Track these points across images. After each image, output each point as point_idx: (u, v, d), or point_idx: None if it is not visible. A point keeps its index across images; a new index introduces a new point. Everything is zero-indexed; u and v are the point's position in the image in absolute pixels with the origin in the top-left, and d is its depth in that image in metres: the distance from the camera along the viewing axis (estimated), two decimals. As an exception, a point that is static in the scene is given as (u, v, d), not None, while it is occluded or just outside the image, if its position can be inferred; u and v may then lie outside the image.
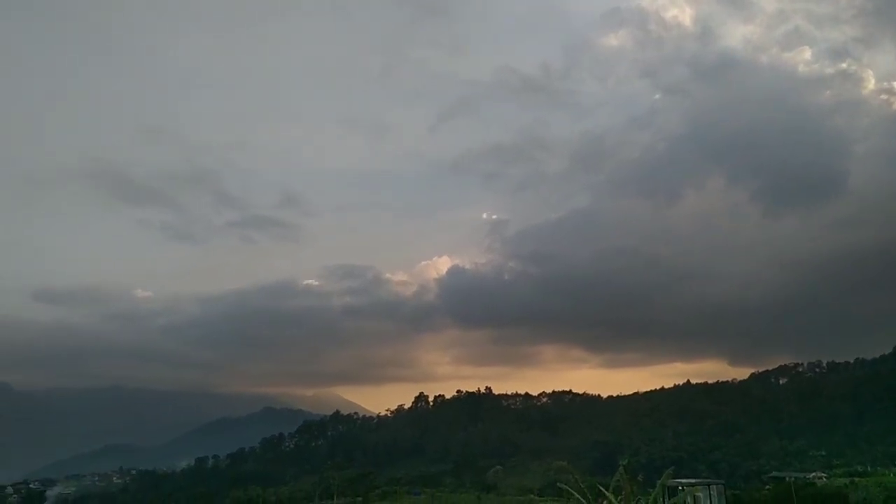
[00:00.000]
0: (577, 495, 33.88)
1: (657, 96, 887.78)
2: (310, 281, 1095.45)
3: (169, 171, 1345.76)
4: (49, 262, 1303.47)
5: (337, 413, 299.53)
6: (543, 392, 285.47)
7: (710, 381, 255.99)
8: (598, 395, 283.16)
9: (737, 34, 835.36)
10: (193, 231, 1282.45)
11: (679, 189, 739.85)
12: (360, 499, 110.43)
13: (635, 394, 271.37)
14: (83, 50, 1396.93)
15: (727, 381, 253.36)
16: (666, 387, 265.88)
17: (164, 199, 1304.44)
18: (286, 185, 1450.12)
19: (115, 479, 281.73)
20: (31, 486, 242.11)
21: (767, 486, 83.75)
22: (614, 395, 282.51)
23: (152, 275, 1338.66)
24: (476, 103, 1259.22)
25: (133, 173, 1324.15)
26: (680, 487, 46.14)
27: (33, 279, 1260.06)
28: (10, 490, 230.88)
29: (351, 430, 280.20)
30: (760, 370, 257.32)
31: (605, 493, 32.27)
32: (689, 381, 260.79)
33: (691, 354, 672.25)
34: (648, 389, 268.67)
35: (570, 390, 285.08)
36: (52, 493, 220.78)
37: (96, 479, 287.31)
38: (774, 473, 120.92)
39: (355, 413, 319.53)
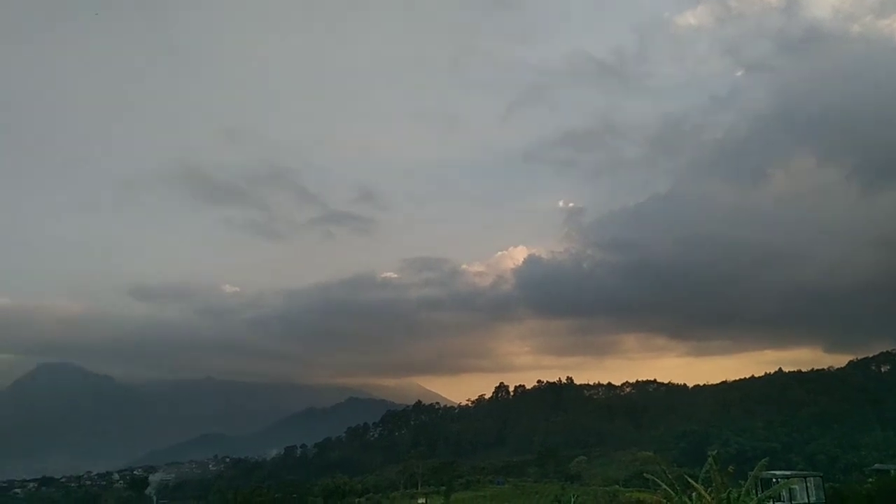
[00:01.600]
0: (665, 486, 33.00)
1: (739, 74, 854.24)
2: (388, 274, 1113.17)
3: (251, 171, 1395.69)
4: (143, 260, 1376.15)
5: (419, 403, 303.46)
6: (626, 382, 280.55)
7: (804, 369, 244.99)
8: (684, 385, 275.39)
9: (825, 4, 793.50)
10: (277, 228, 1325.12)
11: (766, 169, 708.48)
12: (443, 488, 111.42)
13: (723, 383, 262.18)
14: (168, 57, 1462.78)
15: (823, 369, 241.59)
16: (756, 375, 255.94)
17: (247, 197, 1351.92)
18: (363, 180, 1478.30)
19: (210, 466, 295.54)
20: (134, 472, 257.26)
21: (870, 480, 79.30)
22: (701, 384, 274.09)
23: (239, 270, 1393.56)
24: (548, 91, 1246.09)
25: (218, 174, 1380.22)
26: (774, 480, 44.29)
27: (130, 277, 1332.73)
28: (116, 476, 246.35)
29: (433, 419, 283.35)
30: (859, 357, 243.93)
31: (694, 484, 31.26)
32: (780, 369, 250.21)
33: (783, 341, 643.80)
34: (737, 378, 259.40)
35: (655, 380, 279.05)
36: (154, 478, 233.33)
37: (193, 466, 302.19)
38: (877, 466, 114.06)
39: (436, 403, 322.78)
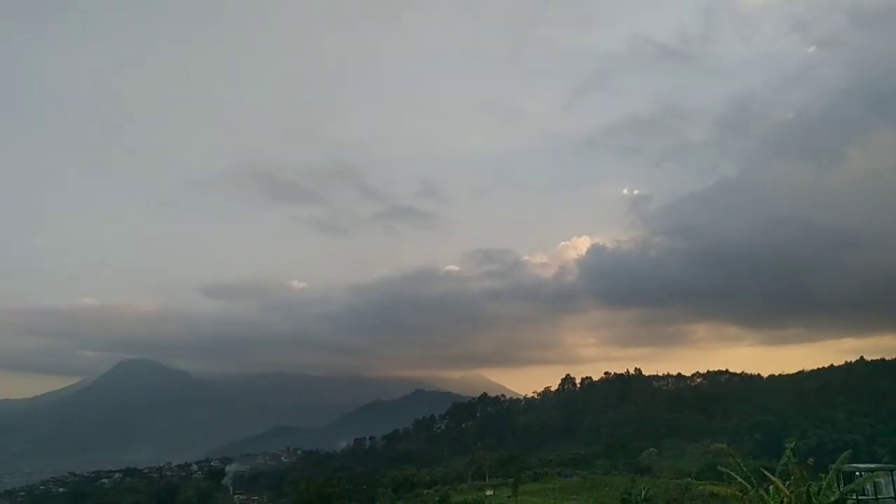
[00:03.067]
0: (740, 479, 32.01)
1: (811, 50, 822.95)
2: (450, 267, 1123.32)
3: (315, 169, 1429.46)
4: (214, 259, 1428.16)
5: (485, 395, 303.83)
6: (697, 372, 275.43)
7: (888, 358, 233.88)
8: (758, 375, 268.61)
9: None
10: (341, 224, 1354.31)
11: (842, 148, 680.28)
12: (511, 480, 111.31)
13: (800, 372, 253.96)
14: (233, 60, 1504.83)
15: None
16: (835, 364, 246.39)
17: (312, 195, 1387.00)
18: (424, 174, 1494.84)
19: (283, 458, 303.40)
20: (212, 464, 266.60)
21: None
22: (776, 373, 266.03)
23: (306, 266, 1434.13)
24: (609, 77, 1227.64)
25: (283, 173, 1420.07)
26: (858, 473, 42.39)
27: (202, 276, 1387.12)
28: (194, 467, 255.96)
29: (499, 411, 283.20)
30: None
31: (772, 477, 30.19)
32: (862, 357, 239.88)
33: (864, 329, 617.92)
34: (815, 367, 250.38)
35: (727, 370, 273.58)
36: (230, 469, 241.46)
37: (267, 457, 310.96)
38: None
39: (502, 395, 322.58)
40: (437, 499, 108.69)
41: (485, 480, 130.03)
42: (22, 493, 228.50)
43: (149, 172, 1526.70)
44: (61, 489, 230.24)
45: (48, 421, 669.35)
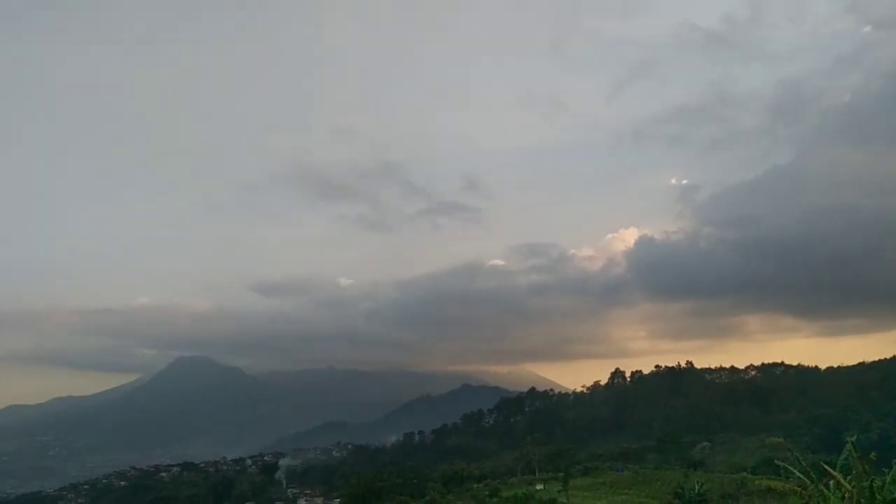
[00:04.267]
0: (799, 474, 31.00)
1: (867, 30, 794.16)
2: (495, 261, 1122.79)
3: (360, 167, 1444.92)
4: (264, 258, 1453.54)
5: (533, 389, 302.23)
6: (751, 365, 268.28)
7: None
8: (815, 367, 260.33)
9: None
10: (386, 221, 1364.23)
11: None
12: (561, 474, 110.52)
13: (860, 364, 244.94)
14: (278, 60, 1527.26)
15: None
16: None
17: (358, 193, 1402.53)
18: (467, 170, 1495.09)
19: (334, 452, 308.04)
20: (265, 458, 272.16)
21: None
22: (834, 365, 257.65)
23: (353, 264, 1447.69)
24: (655, 66, 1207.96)
25: (329, 172, 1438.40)
26: (923, 467, 40.77)
27: (253, 274, 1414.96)
28: (248, 462, 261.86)
29: (548, 406, 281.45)
30: None
31: (832, 472, 29.17)
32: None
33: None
34: (876, 359, 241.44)
35: (782, 362, 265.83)
36: (283, 463, 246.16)
37: (318, 452, 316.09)
38: None
39: (551, 389, 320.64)
40: (486, 493, 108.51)
41: (534, 475, 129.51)
42: (86, 487, 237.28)
43: (199, 175, 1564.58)
44: (123, 483, 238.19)
45: (109, 417, 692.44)
